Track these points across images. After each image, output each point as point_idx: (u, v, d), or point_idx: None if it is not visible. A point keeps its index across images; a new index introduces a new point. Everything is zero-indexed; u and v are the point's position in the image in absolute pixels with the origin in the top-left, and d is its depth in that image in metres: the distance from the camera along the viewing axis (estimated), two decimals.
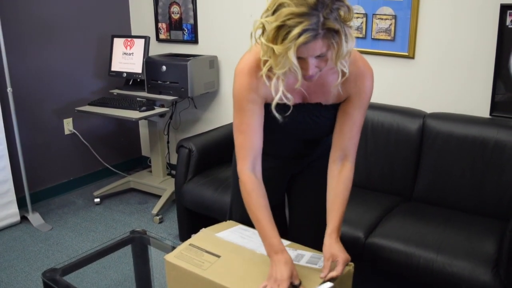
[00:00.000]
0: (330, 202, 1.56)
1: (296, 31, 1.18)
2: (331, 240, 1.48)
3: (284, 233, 1.80)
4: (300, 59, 1.25)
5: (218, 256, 1.55)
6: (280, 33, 1.20)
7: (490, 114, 2.51)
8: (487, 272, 1.93)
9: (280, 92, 1.32)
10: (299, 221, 1.87)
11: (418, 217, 2.35)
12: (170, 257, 1.59)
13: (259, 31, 1.28)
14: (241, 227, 1.74)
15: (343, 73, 1.35)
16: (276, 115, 1.40)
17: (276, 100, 1.34)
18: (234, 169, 1.70)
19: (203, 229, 1.74)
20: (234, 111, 1.49)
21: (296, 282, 1.40)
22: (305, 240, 1.64)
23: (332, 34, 1.22)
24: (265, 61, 1.32)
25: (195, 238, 1.67)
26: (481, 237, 2.13)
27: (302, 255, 1.56)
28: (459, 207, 2.43)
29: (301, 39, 1.18)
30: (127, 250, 2.38)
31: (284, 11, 1.19)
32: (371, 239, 2.21)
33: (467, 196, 2.42)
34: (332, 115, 1.54)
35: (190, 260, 1.55)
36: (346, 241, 2.20)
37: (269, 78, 1.33)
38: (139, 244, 2.38)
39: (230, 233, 1.69)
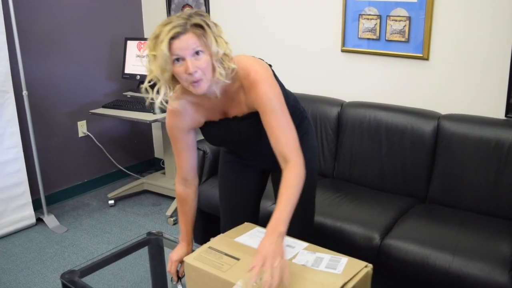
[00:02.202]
0: (276, 204, 1.55)
1: (167, 28, 1.42)
2: (268, 240, 1.43)
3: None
4: (179, 61, 1.44)
5: (238, 259, 1.56)
6: (157, 40, 1.44)
7: (506, 116, 2.50)
8: (504, 274, 1.93)
9: (162, 95, 1.52)
10: None
11: (433, 218, 2.35)
12: (190, 258, 1.60)
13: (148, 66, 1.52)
14: (258, 230, 1.75)
15: (222, 75, 1.52)
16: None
17: (158, 101, 1.52)
18: (220, 167, 2.05)
19: (221, 234, 1.76)
20: (170, 138, 1.78)
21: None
22: (293, 234, 1.65)
23: (200, 29, 1.45)
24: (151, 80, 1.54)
25: (213, 242, 1.68)
26: (497, 238, 2.12)
27: (321, 258, 1.57)
28: (474, 209, 2.42)
29: (171, 33, 1.41)
30: (143, 252, 2.39)
31: (157, 28, 1.46)
32: (387, 240, 2.22)
33: (482, 198, 2.41)
34: (252, 123, 1.67)
35: (210, 262, 1.56)
36: (361, 243, 2.24)
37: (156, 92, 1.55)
38: (155, 246, 2.40)
39: (248, 237, 1.70)
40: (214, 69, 1.50)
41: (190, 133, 1.74)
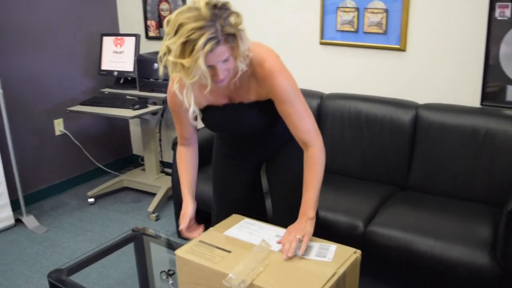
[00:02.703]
0: (303, 188, 1.66)
1: (201, 41, 1.32)
2: (298, 222, 1.61)
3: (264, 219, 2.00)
4: (209, 67, 1.40)
5: (229, 251, 1.58)
6: (186, 47, 1.33)
7: (481, 104, 2.58)
8: (484, 255, 2.00)
9: (192, 102, 1.50)
10: (278, 207, 1.97)
11: (414, 205, 2.41)
12: (181, 252, 1.60)
13: (166, 52, 1.40)
14: (247, 221, 1.77)
15: (243, 70, 1.52)
16: (193, 122, 1.71)
17: (191, 111, 1.54)
18: (213, 160, 2.03)
19: (211, 228, 1.76)
20: (172, 114, 1.79)
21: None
22: (287, 226, 1.71)
23: (231, 38, 1.40)
24: (175, 77, 1.47)
25: (204, 236, 1.69)
26: (476, 222, 2.20)
27: (311, 247, 1.60)
28: (452, 195, 2.50)
29: (207, 47, 1.33)
30: (125, 249, 2.38)
31: (186, 28, 1.33)
32: (370, 227, 2.27)
33: (460, 184, 2.49)
34: (256, 112, 1.68)
35: (202, 255, 1.57)
36: (346, 231, 2.29)
37: (182, 89, 1.50)
38: (140, 242, 2.40)
39: (237, 230, 1.72)
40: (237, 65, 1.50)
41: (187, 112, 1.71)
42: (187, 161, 1.84)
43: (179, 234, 2.95)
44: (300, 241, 1.53)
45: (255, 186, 2.03)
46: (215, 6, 1.37)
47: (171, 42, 1.35)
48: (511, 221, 1.94)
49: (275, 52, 1.63)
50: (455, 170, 2.49)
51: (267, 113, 1.69)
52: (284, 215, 1.86)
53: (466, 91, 2.62)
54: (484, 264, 1.98)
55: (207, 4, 1.36)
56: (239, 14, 1.43)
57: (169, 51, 1.37)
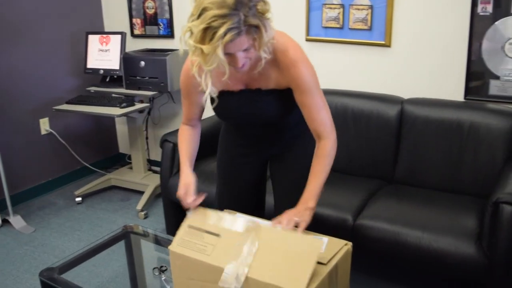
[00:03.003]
0: (309, 176, 1.67)
1: (221, 31, 1.30)
2: (296, 208, 1.60)
3: (261, 214, 1.99)
4: (229, 54, 1.39)
5: (218, 235, 1.56)
6: (207, 34, 1.32)
7: (465, 98, 2.64)
8: (470, 246, 2.05)
9: (209, 87, 1.49)
10: (280, 204, 1.94)
11: (401, 198, 2.45)
12: (174, 246, 1.60)
13: (188, 35, 1.38)
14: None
15: (265, 58, 1.49)
16: (203, 104, 1.71)
17: (206, 95, 1.52)
18: (219, 155, 2.00)
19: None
20: (182, 95, 1.78)
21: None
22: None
23: (254, 29, 1.37)
24: (193, 62, 1.45)
25: (191, 219, 1.67)
26: (462, 213, 2.24)
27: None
28: (438, 187, 2.55)
29: (227, 37, 1.31)
30: (115, 247, 2.38)
31: (208, 14, 1.30)
32: (359, 221, 2.30)
33: (445, 177, 2.54)
34: (272, 100, 1.66)
35: (194, 246, 1.57)
36: (336, 224, 2.32)
37: (200, 74, 1.48)
38: (132, 240, 2.40)
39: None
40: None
41: (201, 94, 1.67)
42: (189, 137, 1.80)
43: (168, 231, 2.98)
44: (296, 225, 1.52)
45: (260, 184, 2.01)
46: None
47: (194, 25, 1.34)
48: (496, 212, 1.99)
49: (298, 43, 1.62)
50: (440, 163, 2.54)
51: (283, 102, 1.67)
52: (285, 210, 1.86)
53: (450, 86, 2.67)
54: (471, 254, 2.03)
55: None
56: (266, 1, 1.40)
57: (191, 33, 1.36)
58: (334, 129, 1.68)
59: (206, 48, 1.33)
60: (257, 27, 1.37)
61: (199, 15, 1.33)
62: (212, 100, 1.67)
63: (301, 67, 1.56)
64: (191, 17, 1.36)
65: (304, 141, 1.83)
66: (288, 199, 1.83)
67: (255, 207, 2.00)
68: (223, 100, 1.64)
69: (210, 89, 1.49)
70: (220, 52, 1.33)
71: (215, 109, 1.72)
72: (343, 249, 1.57)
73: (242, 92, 1.66)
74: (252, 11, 1.34)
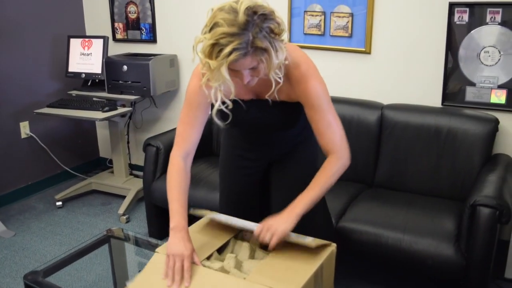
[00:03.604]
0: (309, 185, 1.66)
1: (227, 49, 1.30)
2: (281, 215, 1.57)
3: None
4: (234, 71, 1.39)
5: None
6: (214, 50, 1.33)
7: (442, 104, 2.72)
8: (449, 247, 2.12)
9: (219, 100, 1.45)
10: (278, 210, 1.94)
11: (382, 201, 2.51)
12: (162, 249, 1.63)
13: (200, 45, 1.38)
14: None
15: (277, 82, 1.47)
16: (217, 121, 1.57)
17: (216, 107, 1.48)
18: (220, 167, 1.97)
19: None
20: (184, 104, 1.66)
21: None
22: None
23: (261, 51, 1.35)
24: (204, 73, 1.44)
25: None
26: (441, 216, 2.31)
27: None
28: (417, 191, 2.62)
29: (232, 57, 1.31)
30: (99, 251, 2.38)
31: (218, 30, 1.31)
32: (342, 223, 2.35)
33: (424, 181, 2.61)
34: (280, 111, 1.66)
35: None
36: None
37: (209, 87, 1.46)
38: (116, 243, 2.40)
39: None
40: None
41: (207, 110, 1.64)
42: (185, 182, 1.62)
43: (150, 234, 2.98)
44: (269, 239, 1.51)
45: (262, 190, 2.00)
46: (254, 13, 1.33)
47: (205, 38, 1.34)
48: (473, 214, 2.06)
49: (308, 57, 1.62)
50: (419, 168, 2.61)
51: (291, 113, 1.69)
52: None
53: (428, 92, 2.75)
54: (450, 255, 2.10)
55: (246, 9, 1.32)
56: (280, 23, 1.38)
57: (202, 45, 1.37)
58: (345, 147, 1.66)
59: (212, 63, 1.33)
60: (265, 50, 1.35)
61: (211, 29, 1.34)
62: (212, 105, 1.60)
63: (312, 81, 1.56)
64: (205, 27, 1.37)
65: (305, 148, 1.85)
66: (286, 205, 1.84)
67: (259, 213, 1.96)
68: (232, 108, 1.55)
69: (219, 103, 1.45)
70: (224, 71, 1.33)
71: (218, 116, 1.63)
72: (328, 250, 1.61)
73: (250, 101, 1.65)
74: (262, 32, 1.33)
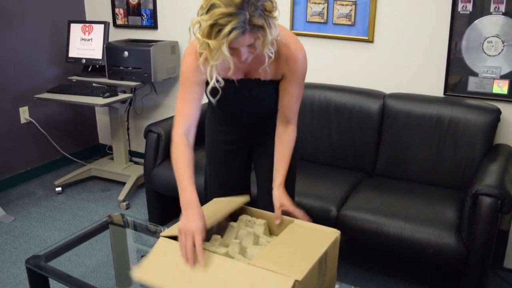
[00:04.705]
0: (276, 159, 1.82)
1: (226, 29, 1.36)
2: (279, 192, 1.74)
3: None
4: (233, 49, 1.44)
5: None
6: (213, 30, 1.38)
7: (444, 94, 2.72)
8: (451, 236, 2.13)
9: (214, 78, 1.52)
10: (264, 188, 2.01)
11: (383, 190, 2.52)
12: (166, 233, 1.63)
13: (197, 26, 1.43)
14: None
15: (270, 57, 1.54)
16: (211, 98, 1.63)
17: (211, 85, 1.54)
18: (207, 145, 2.04)
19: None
20: (180, 84, 1.71)
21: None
22: (270, 201, 1.80)
23: (258, 28, 1.42)
24: (201, 53, 1.49)
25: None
26: (442, 205, 2.32)
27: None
28: (418, 180, 2.63)
29: (232, 35, 1.37)
30: (99, 236, 2.38)
31: (216, 11, 1.36)
32: (343, 212, 2.36)
33: (425, 170, 2.62)
34: (270, 90, 1.74)
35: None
36: (320, 215, 2.37)
37: (205, 66, 1.52)
38: (117, 229, 2.40)
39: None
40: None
41: (203, 86, 1.68)
42: (190, 158, 1.63)
43: (151, 221, 2.98)
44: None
45: (246, 171, 2.08)
46: None
47: (202, 19, 1.39)
48: (475, 203, 2.07)
49: (297, 38, 1.70)
50: (421, 157, 2.62)
51: (277, 92, 1.75)
52: (268, 195, 1.90)
53: (431, 81, 2.75)
54: (451, 244, 2.11)
55: None
56: (273, 1, 1.45)
57: (199, 25, 1.41)
58: (297, 121, 1.83)
59: (212, 43, 1.39)
60: (261, 27, 1.42)
61: (208, 10, 1.38)
62: (207, 84, 1.62)
63: (300, 61, 1.67)
64: (201, 9, 1.41)
65: None
66: (270, 184, 1.87)
67: (241, 194, 2.01)
68: (223, 88, 1.59)
69: (214, 80, 1.52)
70: (225, 49, 1.38)
71: (209, 92, 1.65)
72: (332, 236, 1.62)
73: (241, 81, 1.71)
74: (258, 10, 1.39)
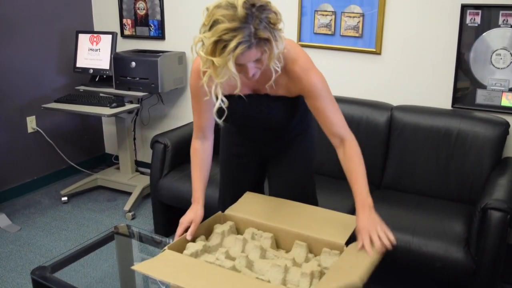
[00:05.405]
0: (349, 181, 1.68)
1: (232, 44, 1.31)
2: (362, 215, 1.60)
3: None
4: (239, 65, 1.40)
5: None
6: (217, 47, 1.33)
7: (452, 106, 2.70)
8: (459, 250, 2.10)
9: (220, 99, 1.45)
10: (276, 196, 1.97)
11: (390, 203, 2.50)
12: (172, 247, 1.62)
13: (200, 44, 1.39)
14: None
15: (276, 71, 1.50)
16: (217, 119, 1.57)
17: (216, 105, 1.48)
18: (221, 157, 2.04)
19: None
20: (191, 96, 1.76)
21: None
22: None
23: (264, 42, 1.37)
24: (205, 72, 1.44)
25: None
26: (450, 219, 2.30)
27: None
28: (426, 193, 2.60)
29: (238, 50, 1.32)
30: (105, 247, 2.37)
31: (220, 27, 1.32)
32: None
33: (433, 183, 2.60)
34: (280, 106, 1.70)
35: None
36: None
37: (209, 86, 1.45)
38: (123, 240, 2.39)
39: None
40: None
41: (212, 100, 1.62)
42: (202, 162, 1.78)
43: (156, 232, 2.97)
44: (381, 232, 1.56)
45: (259, 181, 2.07)
46: (252, 6, 1.34)
47: (205, 37, 1.34)
48: (484, 218, 2.05)
49: (304, 51, 1.65)
50: (428, 170, 2.60)
51: (289, 108, 1.72)
52: None
53: (438, 94, 2.74)
54: (459, 258, 2.09)
55: (244, 3, 1.34)
56: (277, 13, 1.41)
57: (202, 43, 1.37)
58: (351, 131, 1.72)
59: (217, 60, 1.33)
60: (267, 40, 1.37)
61: (211, 27, 1.34)
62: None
63: (312, 75, 1.60)
64: (203, 27, 1.37)
65: (301, 141, 1.88)
66: (283, 197, 1.87)
67: None
68: (231, 103, 1.56)
69: (220, 101, 1.46)
70: (231, 65, 1.34)
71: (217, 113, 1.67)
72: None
73: (249, 97, 1.68)
74: (263, 23, 1.35)
